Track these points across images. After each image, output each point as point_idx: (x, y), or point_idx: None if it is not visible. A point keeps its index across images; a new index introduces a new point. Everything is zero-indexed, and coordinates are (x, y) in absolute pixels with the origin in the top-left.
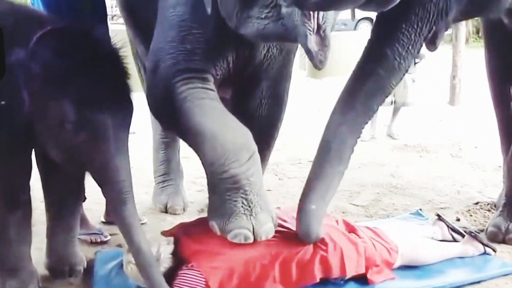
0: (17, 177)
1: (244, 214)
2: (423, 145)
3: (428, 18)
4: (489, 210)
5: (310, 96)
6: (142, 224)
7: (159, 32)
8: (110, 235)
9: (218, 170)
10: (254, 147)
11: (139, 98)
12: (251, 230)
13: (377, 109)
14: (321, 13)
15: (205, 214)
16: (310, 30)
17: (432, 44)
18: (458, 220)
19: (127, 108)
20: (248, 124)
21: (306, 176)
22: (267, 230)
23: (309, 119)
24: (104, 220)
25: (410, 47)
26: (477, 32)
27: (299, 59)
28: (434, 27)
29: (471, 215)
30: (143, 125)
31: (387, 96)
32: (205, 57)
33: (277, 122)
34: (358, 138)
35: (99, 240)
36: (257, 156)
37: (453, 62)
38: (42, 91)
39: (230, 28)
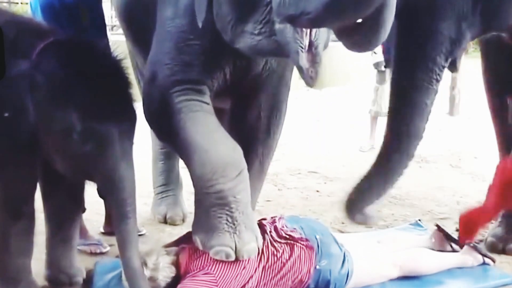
0: (21, 188)
1: (228, 231)
2: (423, 156)
3: (444, 52)
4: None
5: (310, 106)
6: (141, 235)
7: (157, 43)
8: (109, 245)
9: (205, 184)
10: (244, 164)
11: (139, 108)
12: (234, 248)
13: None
14: (313, 29)
15: None
16: (302, 47)
17: (453, 67)
18: (457, 230)
19: (130, 117)
20: (247, 134)
21: (306, 187)
22: (249, 250)
23: (308, 130)
24: (103, 231)
25: (433, 80)
26: (477, 42)
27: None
28: (450, 57)
29: None
30: (142, 135)
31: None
32: (202, 69)
33: (276, 133)
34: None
35: (98, 251)
36: (245, 174)
37: (452, 73)
38: (47, 102)
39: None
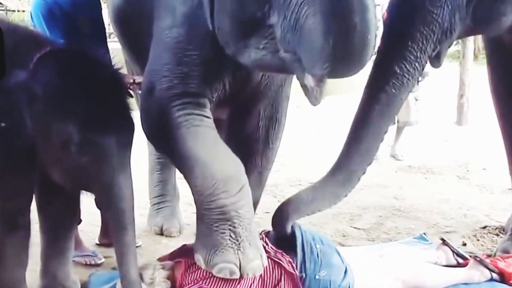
0: (18, 200)
1: (232, 247)
2: (428, 166)
3: (432, 38)
4: (497, 235)
5: (311, 115)
6: (137, 247)
7: (154, 54)
8: (105, 257)
9: (207, 199)
10: (245, 179)
11: (136, 118)
12: (238, 265)
13: (387, 130)
14: None
15: None
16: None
17: (436, 61)
18: (464, 244)
19: (129, 128)
20: (245, 145)
21: None
22: (254, 267)
23: (309, 139)
24: (98, 242)
25: (416, 64)
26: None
27: None
28: (438, 46)
29: (478, 240)
30: (139, 144)
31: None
32: (201, 80)
33: (275, 144)
34: (369, 164)
35: (93, 262)
36: (247, 189)
37: (460, 81)
38: (45, 112)
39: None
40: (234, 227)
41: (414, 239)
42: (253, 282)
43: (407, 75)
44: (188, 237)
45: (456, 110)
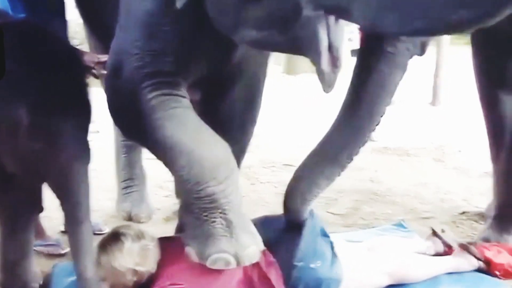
0: None
1: (224, 236)
2: (404, 148)
3: None
4: (476, 221)
5: (285, 94)
6: (103, 234)
7: (122, 29)
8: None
9: (194, 188)
10: (234, 163)
11: (102, 95)
12: (233, 254)
13: (384, 113)
14: (334, 29)
15: (172, 222)
16: (325, 47)
17: (421, 50)
18: (443, 231)
19: (85, 110)
20: (220, 128)
21: (280, 181)
22: (251, 254)
23: (284, 119)
24: (64, 230)
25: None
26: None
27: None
28: None
29: (457, 226)
30: (108, 123)
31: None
32: (176, 59)
33: (251, 126)
34: (361, 147)
35: (56, 252)
36: (236, 172)
37: (436, 61)
38: None
39: (206, 25)
40: (225, 214)
41: (392, 226)
42: (234, 277)
43: (399, 55)
44: (158, 223)
45: (432, 90)
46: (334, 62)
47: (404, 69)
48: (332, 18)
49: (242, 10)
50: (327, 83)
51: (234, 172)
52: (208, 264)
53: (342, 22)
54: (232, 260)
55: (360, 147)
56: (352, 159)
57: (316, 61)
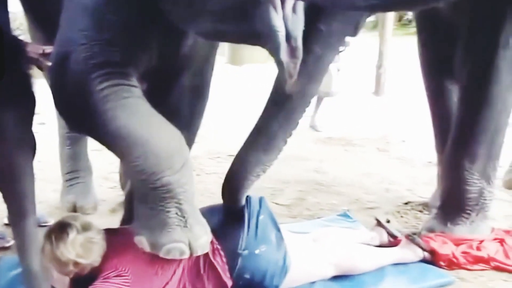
0: None
1: (179, 225)
2: (348, 138)
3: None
4: (421, 211)
5: (229, 84)
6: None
7: (68, 18)
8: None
9: (150, 178)
10: (187, 152)
11: (47, 87)
12: (187, 243)
13: (315, 94)
14: (292, 19)
15: (117, 214)
16: (283, 37)
17: (354, 31)
18: (388, 221)
19: (28, 101)
20: (168, 119)
21: (225, 172)
22: (203, 244)
23: (228, 109)
24: (7, 222)
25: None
26: (399, 20)
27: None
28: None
29: (401, 216)
30: (53, 115)
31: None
32: (126, 48)
33: (199, 117)
34: (294, 129)
35: (0, 245)
36: (190, 162)
37: (379, 51)
38: None
39: (154, 15)
40: (180, 204)
41: (337, 216)
42: (178, 266)
43: (334, 35)
44: (104, 215)
45: (374, 80)
46: (293, 52)
47: (336, 50)
48: (289, 8)
49: (199, 1)
50: (287, 74)
51: (188, 161)
52: (162, 254)
53: (300, 11)
54: (186, 250)
55: (293, 129)
56: (286, 142)
57: (274, 52)
